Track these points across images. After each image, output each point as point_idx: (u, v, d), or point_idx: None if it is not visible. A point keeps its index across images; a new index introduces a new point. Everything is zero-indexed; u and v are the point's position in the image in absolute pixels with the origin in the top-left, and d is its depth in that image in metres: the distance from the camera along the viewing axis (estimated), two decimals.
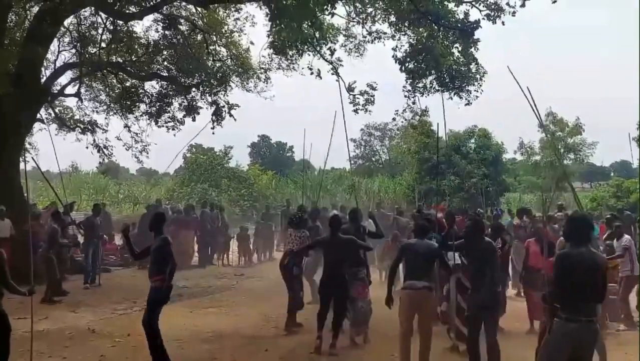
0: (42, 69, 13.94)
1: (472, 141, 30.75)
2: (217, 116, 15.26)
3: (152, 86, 16.03)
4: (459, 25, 13.00)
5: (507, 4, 12.05)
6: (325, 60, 14.63)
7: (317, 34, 13.92)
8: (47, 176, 13.02)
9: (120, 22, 14.57)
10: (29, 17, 13.82)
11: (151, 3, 14.05)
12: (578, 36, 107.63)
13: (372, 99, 14.81)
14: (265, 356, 7.65)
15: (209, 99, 15.49)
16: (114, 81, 16.10)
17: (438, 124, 13.61)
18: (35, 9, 13.38)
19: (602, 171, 51.56)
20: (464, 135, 30.98)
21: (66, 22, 14.23)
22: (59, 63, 14.99)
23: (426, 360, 6.53)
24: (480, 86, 14.23)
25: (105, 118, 16.50)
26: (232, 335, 8.67)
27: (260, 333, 8.90)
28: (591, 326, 4.74)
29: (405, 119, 15.74)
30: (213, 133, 15.51)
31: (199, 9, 14.76)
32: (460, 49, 13.57)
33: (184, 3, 14.75)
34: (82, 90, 15.73)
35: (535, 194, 33.98)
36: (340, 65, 14.65)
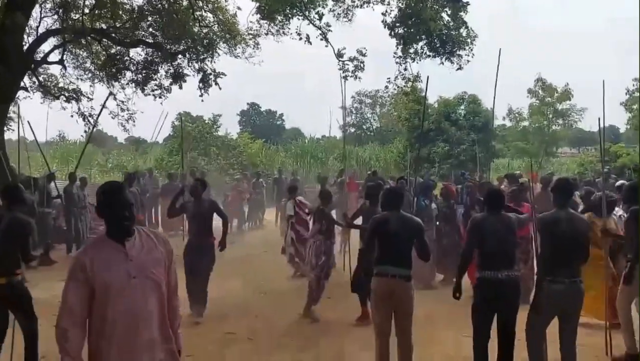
0: (25, 36, 13.63)
1: (462, 107, 30.72)
2: (204, 84, 15.13)
3: (137, 53, 15.78)
4: None
5: None
6: (314, 25, 14.51)
7: None
8: (33, 145, 12.85)
9: None
10: None
11: None
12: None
13: (362, 65, 14.75)
14: (254, 321, 7.72)
15: (196, 66, 15.31)
16: (99, 48, 15.79)
17: (428, 76, 13.43)
18: None
19: (590, 136, 51.76)
20: (453, 101, 30.92)
21: None
22: (41, 30, 14.68)
23: None
24: (472, 50, 14.17)
25: (91, 86, 16.28)
26: (221, 302, 8.71)
27: (250, 300, 8.97)
28: (576, 287, 4.91)
29: (398, 86, 15.65)
30: (202, 101, 15.49)
31: None
32: (449, 13, 13.45)
33: None
34: (66, 57, 15.45)
35: (523, 159, 34.10)
36: (329, 30, 14.53)
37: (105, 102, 13.88)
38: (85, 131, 16.73)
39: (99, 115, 14.86)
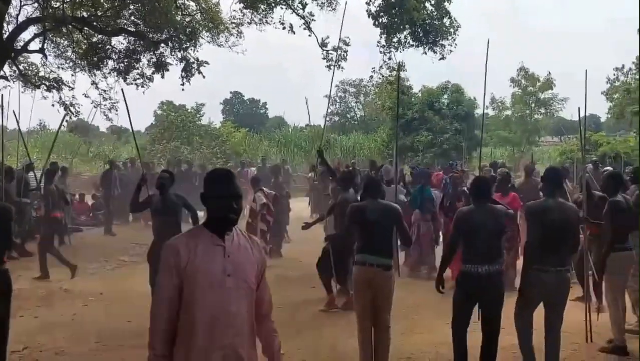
0: (4, 24, 13.40)
1: (445, 96, 30.84)
2: (187, 73, 15.01)
3: (119, 42, 15.54)
4: None
5: None
6: (297, 14, 14.41)
7: None
8: (14, 134, 12.68)
9: None
10: None
11: None
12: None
13: (345, 54, 14.71)
14: None
15: (179, 55, 15.16)
16: (80, 36, 15.55)
17: (401, 61, 13.03)
18: None
19: (572, 125, 52.44)
20: (437, 91, 31.02)
21: None
22: (21, 18, 14.40)
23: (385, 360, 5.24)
24: (454, 40, 14.23)
25: (72, 75, 16.06)
26: None
27: None
28: (563, 276, 4.96)
29: (382, 75, 15.68)
30: (183, 89, 15.39)
31: None
32: (433, 2, 13.49)
33: None
34: (47, 46, 15.20)
35: (506, 148, 34.42)
36: (313, 19, 14.48)
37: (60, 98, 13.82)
38: (66, 121, 16.51)
39: (64, 104, 14.78)
